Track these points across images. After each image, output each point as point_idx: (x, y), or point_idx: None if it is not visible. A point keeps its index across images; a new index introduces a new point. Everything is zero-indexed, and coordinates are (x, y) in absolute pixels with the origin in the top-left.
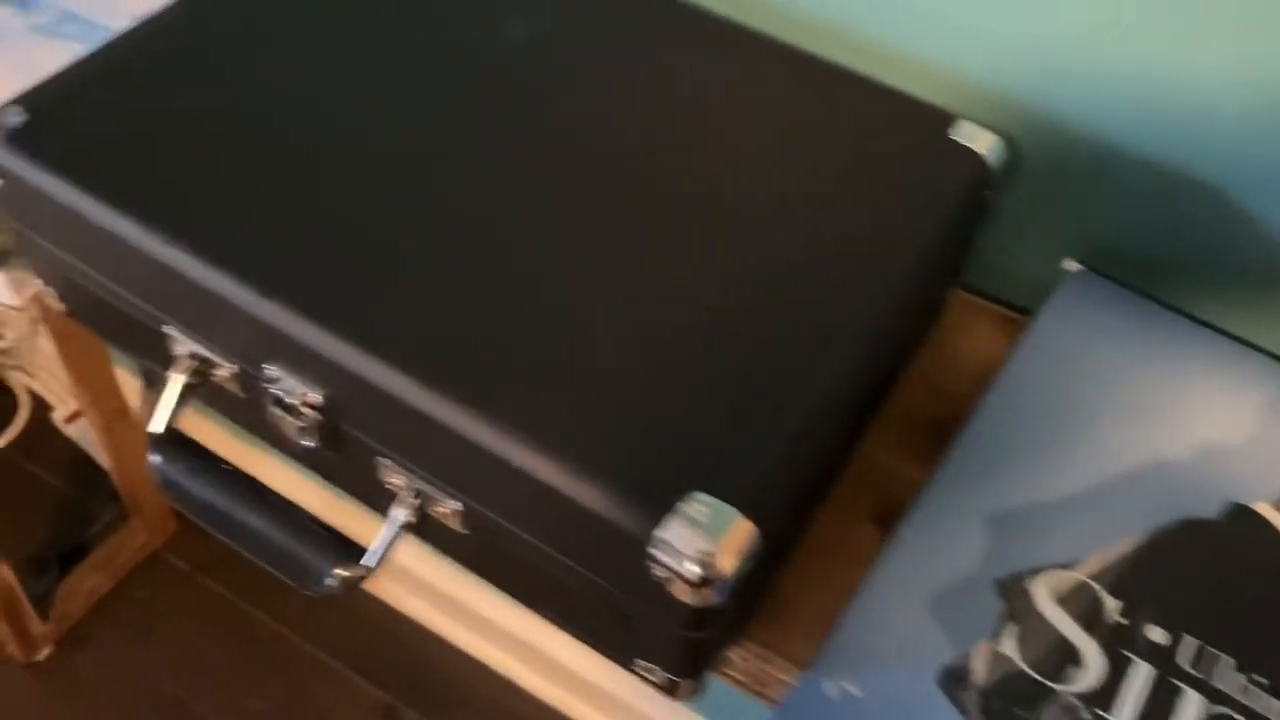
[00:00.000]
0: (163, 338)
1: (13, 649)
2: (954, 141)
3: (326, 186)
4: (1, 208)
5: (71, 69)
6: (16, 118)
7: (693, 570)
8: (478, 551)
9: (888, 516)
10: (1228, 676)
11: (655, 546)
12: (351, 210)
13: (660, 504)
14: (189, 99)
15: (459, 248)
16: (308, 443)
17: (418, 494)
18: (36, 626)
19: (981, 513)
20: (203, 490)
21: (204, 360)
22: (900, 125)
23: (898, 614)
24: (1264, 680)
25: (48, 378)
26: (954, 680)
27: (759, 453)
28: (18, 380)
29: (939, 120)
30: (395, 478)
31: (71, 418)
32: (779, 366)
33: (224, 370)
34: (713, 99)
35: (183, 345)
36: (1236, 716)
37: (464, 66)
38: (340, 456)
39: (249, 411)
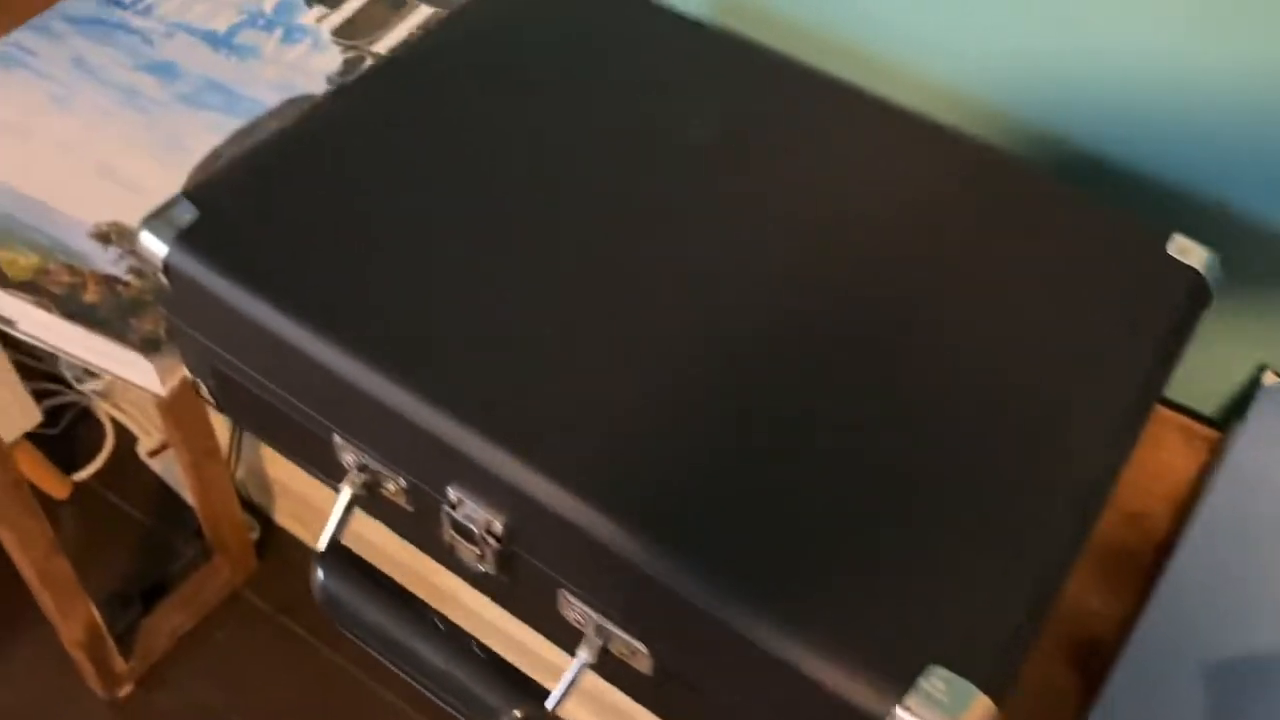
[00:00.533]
0: (329, 445)
1: (95, 685)
2: (1170, 257)
3: (513, 296)
4: (160, 304)
5: (240, 160)
6: (186, 215)
7: None
8: (664, 698)
9: (1084, 656)
10: None
11: None
12: (542, 324)
13: (898, 680)
14: (365, 196)
15: (662, 373)
16: (484, 569)
17: (601, 631)
18: (119, 664)
19: (1194, 667)
20: (369, 613)
21: (375, 472)
22: (1117, 242)
23: None
24: None
25: (133, 410)
26: None
27: (994, 618)
28: (103, 410)
29: (1154, 235)
30: (578, 614)
31: (156, 451)
32: (1011, 521)
33: (395, 484)
34: (916, 207)
35: (351, 455)
36: None
37: (649, 169)
38: (518, 584)
39: (419, 527)
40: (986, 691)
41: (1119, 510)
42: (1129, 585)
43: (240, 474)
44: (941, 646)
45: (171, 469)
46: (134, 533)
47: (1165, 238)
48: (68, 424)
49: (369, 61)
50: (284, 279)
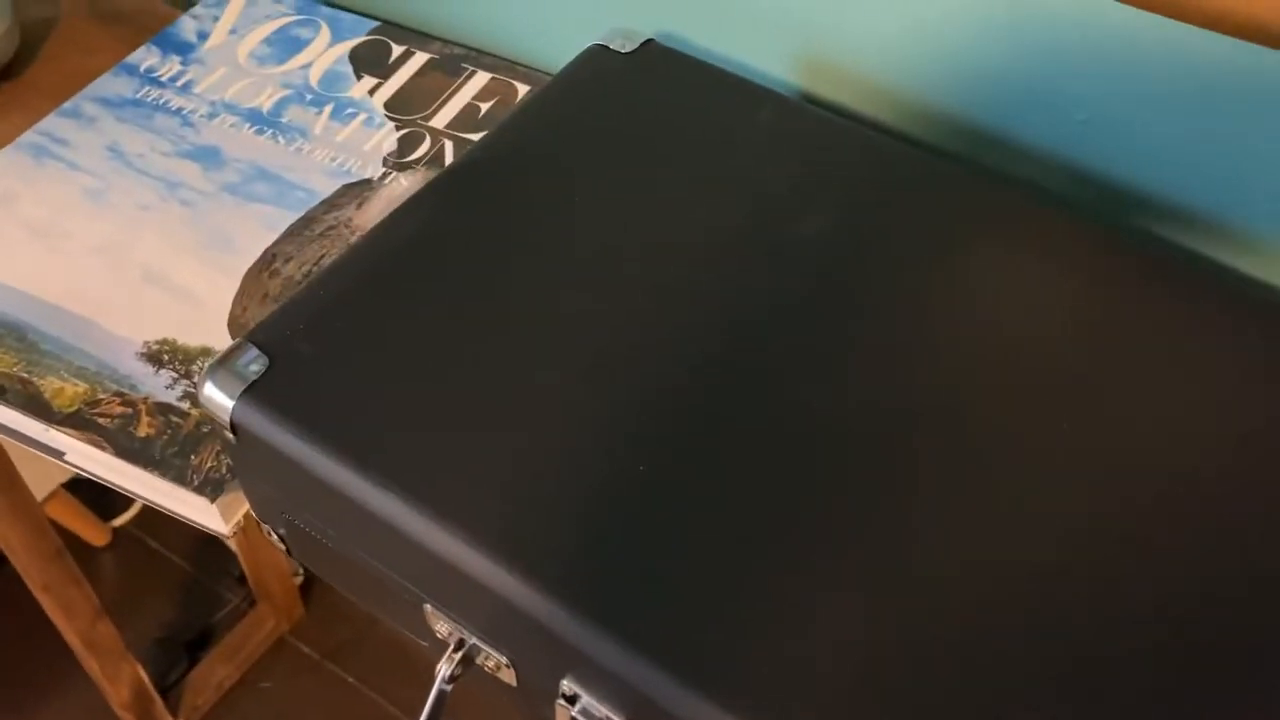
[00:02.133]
0: (420, 613)
1: None
2: None
3: (621, 454)
4: (222, 448)
5: (306, 293)
6: (255, 365)
7: None
8: None
9: None
10: None
11: None
12: (660, 492)
13: None
14: (452, 331)
15: (812, 552)
16: None
17: None
18: None
19: None
20: None
21: (473, 646)
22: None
23: None
24: None
25: None
26: None
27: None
28: None
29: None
30: None
31: None
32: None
33: (497, 660)
34: (1048, 310)
35: (446, 627)
36: None
37: (746, 278)
38: None
39: (526, 705)
40: None
41: None
42: None
43: None
44: None
45: None
46: (176, 579)
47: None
48: None
49: (426, 139)
50: (367, 438)
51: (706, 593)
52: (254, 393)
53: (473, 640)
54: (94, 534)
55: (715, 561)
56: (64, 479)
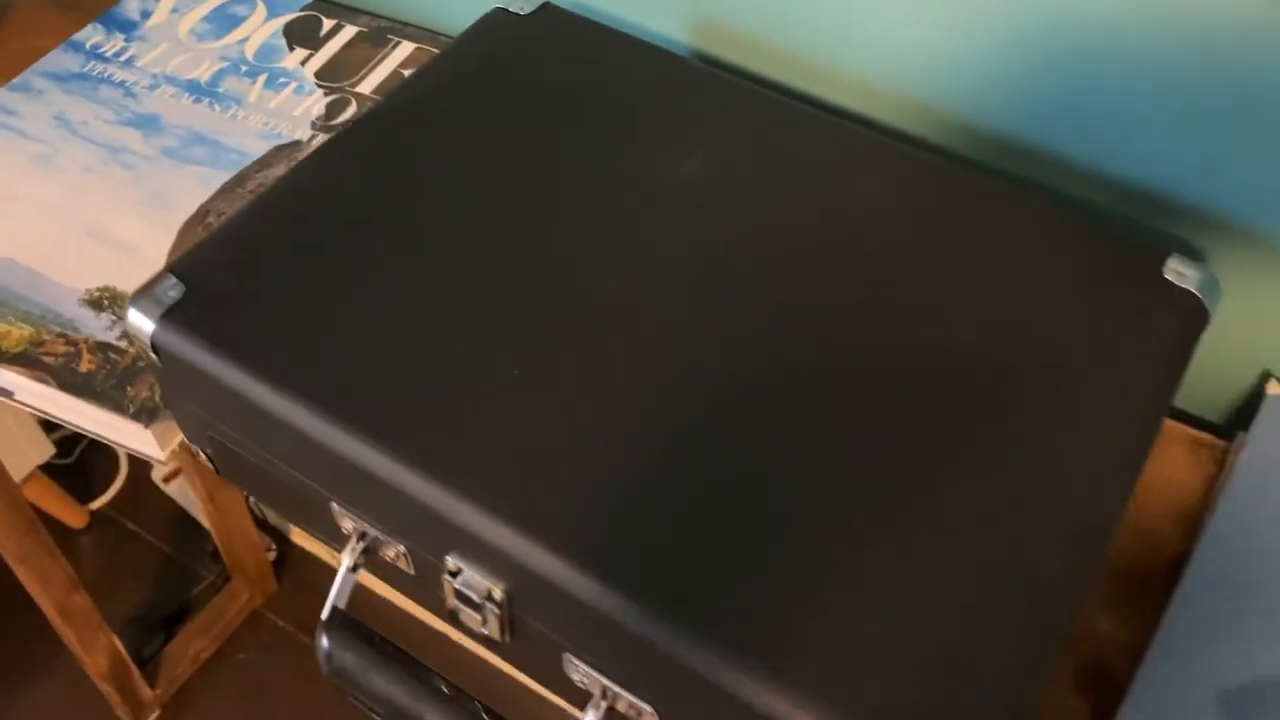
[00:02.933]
0: (328, 512)
1: (123, 714)
2: (1168, 281)
3: (499, 359)
4: (152, 376)
5: (223, 229)
6: (173, 291)
7: None
8: None
9: (1091, 680)
10: None
11: None
12: (532, 385)
13: None
14: (352, 259)
15: (650, 437)
16: (489, 634)
17: (606, 693)
18: (145, 692)
19: (1209, 690)
20: (372, 680)
21: (374, 539)
22: (1113, 267)
23: None
24: None
25: None
26: None
27: (994, 676)
28: None
29: (1151, 259)
30: (583, 675)
31: (170, 476)
32: (1008, 577)
33: (395, 550)
34: (908, 238)
35: (350, 523)
36: None
37: (635, 218)
38: (522, 646)
39: (424, 590)
40: None
41: (1127, 528)
42: (1139, 605)
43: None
44: (945, 710)
45: (187, 493)
46: (153, 558)
47: (1162, 261)
48: (81, 454)
49: (352, 104)
50: (274, 353)
51: (564, 463)
52: (171, 316)
53: (373, 533)
54: (72, 516)
55: (581, 441)
56: (41, 461)
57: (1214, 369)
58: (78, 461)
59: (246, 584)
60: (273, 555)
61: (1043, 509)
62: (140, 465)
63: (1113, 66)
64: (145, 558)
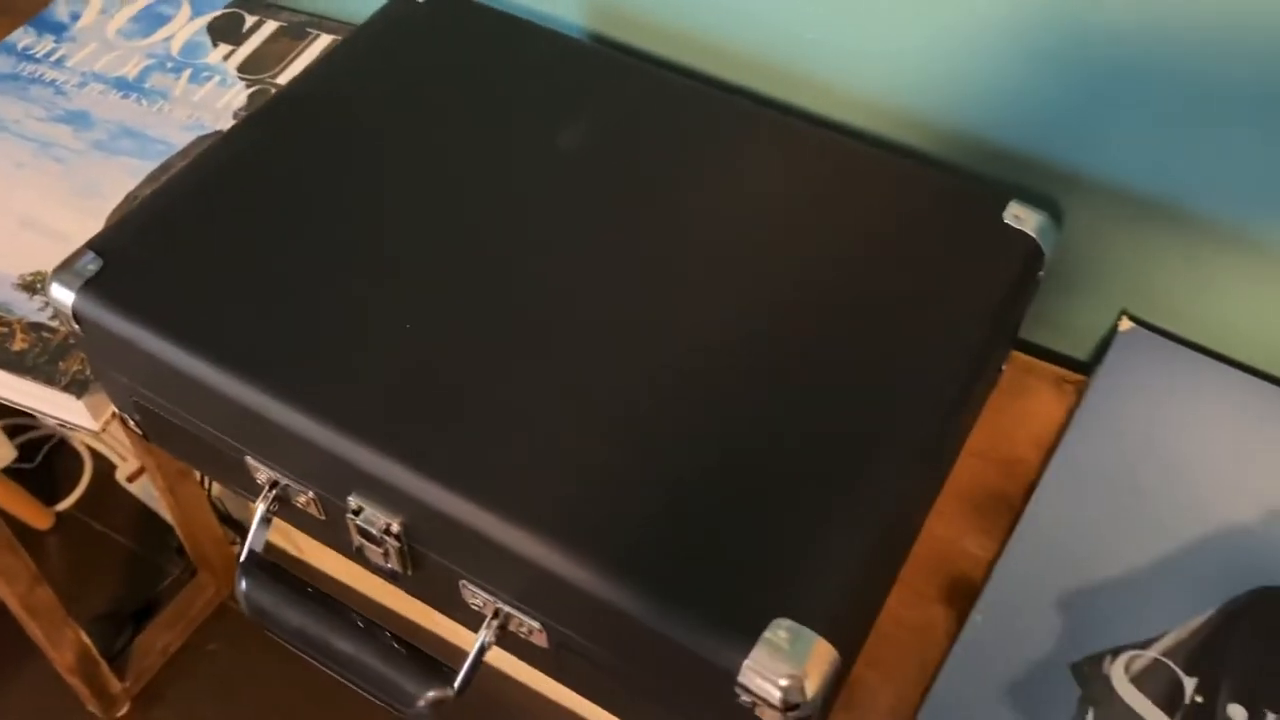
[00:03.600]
0: (243, 465)
1: (94, 708)
2: (1005, 225)
3: (392, 316)
4: (79, 348)
5: (140, 206)
6: (91, 265)
7: (779, 696)
8: (561, 665)
9: (957, 595)
10: None
11: (742, 675)
12: (421, 340)
13: (745, 633)
14: (258, 229)
15: (537, 371)
16: (391, 566)
17: (499, 613)
18: (114, 685)
19: (1052, 594)
20: (291, 617)
21: (285, 487)
22: (953, 212)
23: (976, 706)
24: None
25: (109, 437)
26: None
27: (833, 569)
28: (79, 440)
29: (990, 203)
30: (477, 599)
31: (134, 476)
32: (844, 478)
33: (305, 496)
34: (765, 193)
35: (263, 473)
36: None
37: (521, 184)
38: (422, 577)
39: (332, 532)
40: (829, 637)
41: (992, 457)
42: (1001, 528)
43: (216, 490)
44: (785, 601)
45: (151, 491)
46: (119, 556)
47: (1002, 205)
48: (45, 457)
49: (272, 95)
50: (184, 317)
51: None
52: (90, 288)
53: (285, 481)
54: (37, 518)
55: (464, 380)
56: (3, 465)
57: (1078, 310)
58: (42, 465)
59: (212, 577)
60: (237, 547)
61: (879, 424)
62: (105, 466)
63: (964, 25)
64: (111, 556)
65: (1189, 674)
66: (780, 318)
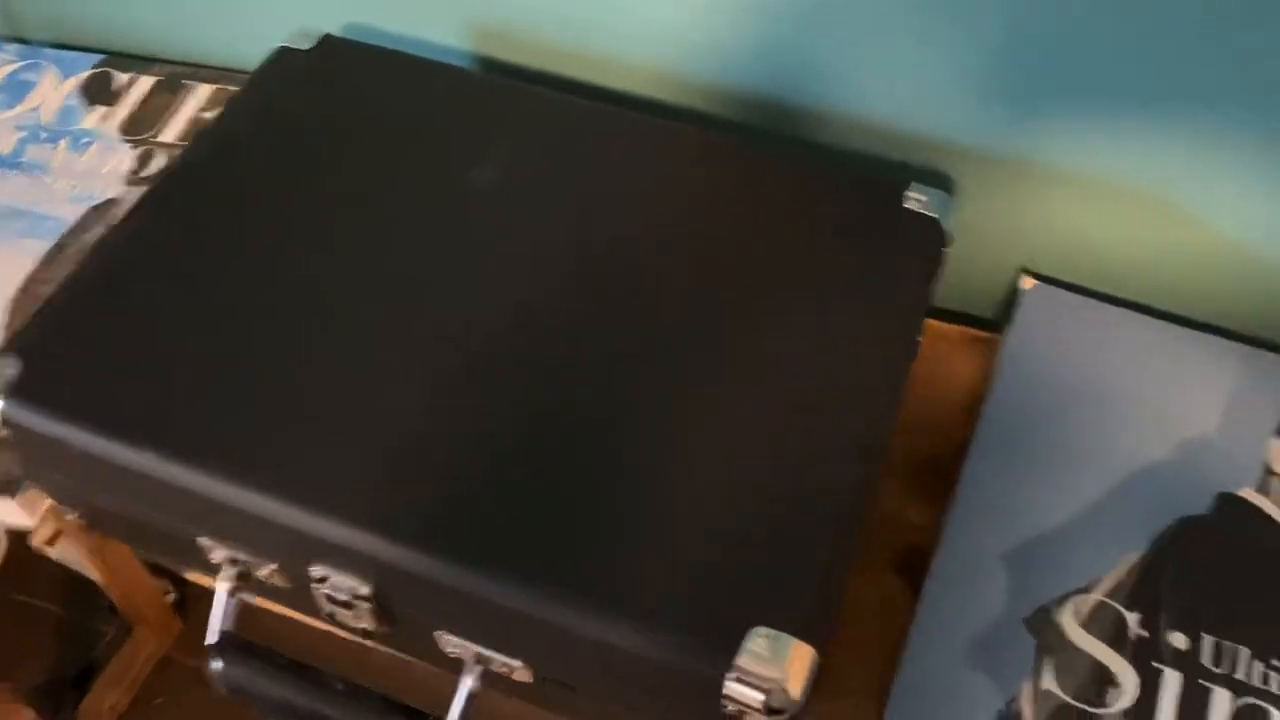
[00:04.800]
0: (196, 547)
1: None
2: (908, 210)
3: (330, 378)
4: (11, 452)
5: (52, 301)
6: (11, 370)
7: (765, 701)
8: (548, 696)
9: (909, 564)
10: (1248, 667)
11: (727, 688)
12: (362, 400)
13: (727, 645)
14: (176, 310)
15: (476, 419)
16: (365, 626)
17: (480, 659)
18: None
19: (998, 551)
20: (270, 689)
21: (245, 563)
22: (859, 205)
23: (943, 671)
24: None
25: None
26: None
27: (801, 574)
28: None
29: (892, 191)
30: (456, 647)
31: (52, 539)
32: (797, 479)
33: (266, 569)
34: (673, 206)
35: (219, 552)
36: (1262, 704)
37: (436, 228)
38: (399, 632)
39: (298, 599)
40: (804, 637)
41: (919, 425)
42: (939, 493)
43: None
44: (760, 608)
45: (72, 553)
46: (50, 625)
47: (901, 192)
48: None
49: (159, 154)
50: (117, 411)
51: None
52: (15, 392)
53: (243, 558)
54: None
55: (413, 442)
56: None
57: (981, 271)
58: None
59: (151, 631)
60: (172, 598)
61: (820, 423)
62: (18, 534)
63: (836, 16)
64: (42, 625)
65: (1131, 610)
66: (710, 332)
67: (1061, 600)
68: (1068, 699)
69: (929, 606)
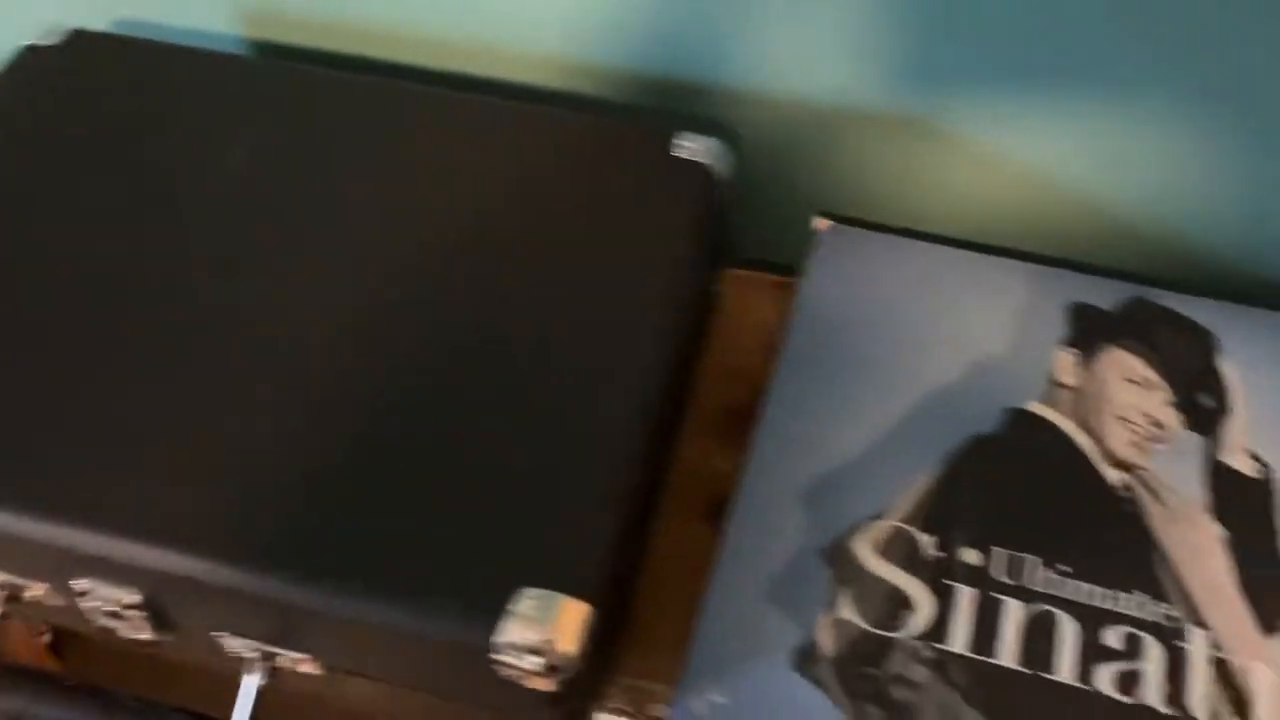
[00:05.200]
0: None
1: None
2: (677, 159)
3: (76, 383)
4: None
5: None
6: None
7: (537, 662)
8: (339, 685)
9: (715, 513)
10: (1037, 575)
11: (497, 652)
12: (111, 405)
13: (492, 611)
14: None
15: (234, 419)
16: (143, 636)
17: (266, 655)
18: None
19: (795, 489)
20: (52, 714)
21: (14, 584)
22: (624, 155)
23: (743, 611)
24: (1068, 569)
25: None
26: (806, 660)
27: (572, 530)
28: None
29: (658, 139)
30: (238, 647)
31: None
32: (570, 438)
33: (35, 590)
34: (440, 172)
35: None
36: (1051, 609)
37: (193, 217)
38: (179, 638)
39: (77, 616)
40: (580, 595)
41: (726, 374)
42: (745, 438)
43: None
44: (528, 570)
45: None
46: None
47: (670, 139)
48: None
49: None
50: None
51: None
52: None
53: (6, 578)
54: None
55: (169, 441)
56: None
57: (785, 218)
58: None
59: None
60: (47, 639)
61: (587, 381)
62: None
63: None
64: None
65: (925, 532)
66: (476, 293)
67: (856, 529)
68: (865, 626)
69: (729, 550)
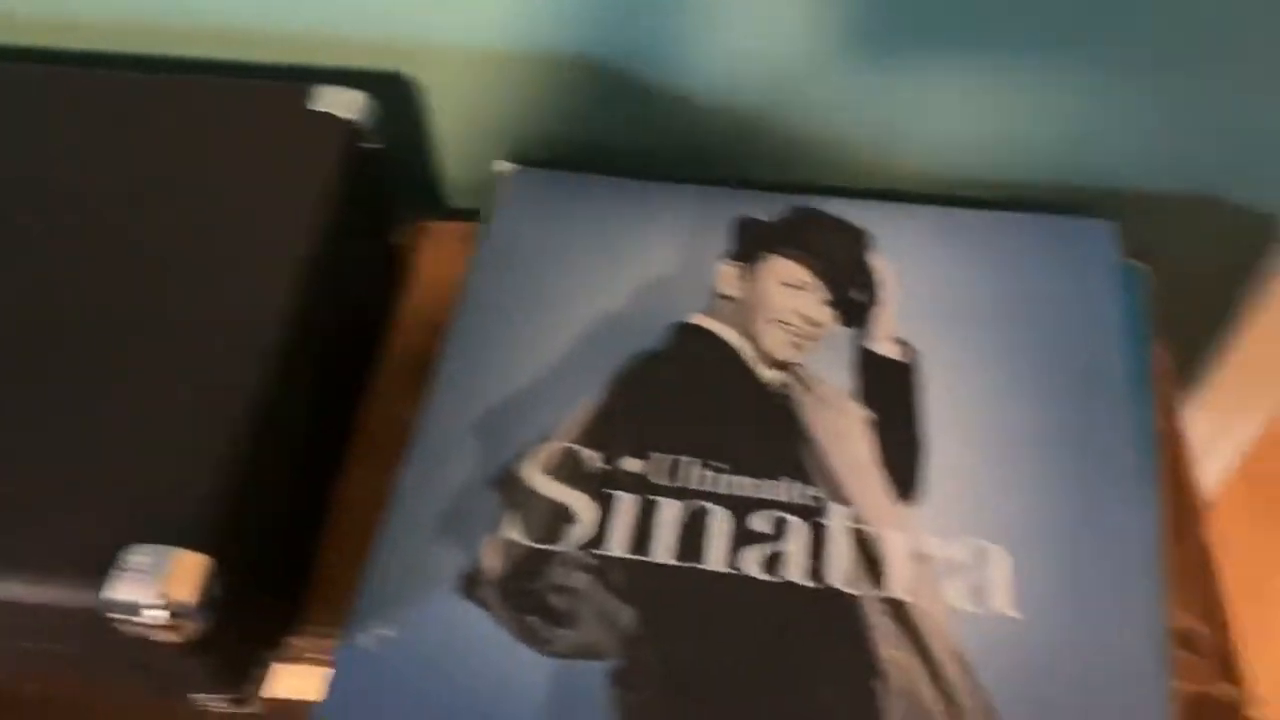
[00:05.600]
0: None
1: None
2: (315, 113)
3: None
4: None
5: None
6: None
7: (157, 616)
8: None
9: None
10: (694, 475)
11: (109, 611)
12: None
13: (96, 572)
14: None
15: None
16: None
17: None
18: None
19: (468, 423)
20: None
21: None
22: (257, 114)
23: (412, 546)
24: (724, 465)
25: None
26: (471, 584)
27: (185, 486)
28: None
29: (293, 98)
30: None
31: None
32: (175, 397)
33: None
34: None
35: None
36: (707, 504)
37: None
38: None
39: None
40: (200, 547)
41: (420, 325)
42: None
43: None
44: (135, 526)
45: None
46: None
47: (305, 95)
48: None
49: None
50: None
51: None
52: None
53: None
54: None
55: None
56: None
57: (470, 167)
58: None
59: None
60: None
61: (217, 333)
62: None
63: None
64: None
65: (590, 449)
66: (97, 260)
67: (524, 454)
68: (529, 543)
69: (400, 488)
